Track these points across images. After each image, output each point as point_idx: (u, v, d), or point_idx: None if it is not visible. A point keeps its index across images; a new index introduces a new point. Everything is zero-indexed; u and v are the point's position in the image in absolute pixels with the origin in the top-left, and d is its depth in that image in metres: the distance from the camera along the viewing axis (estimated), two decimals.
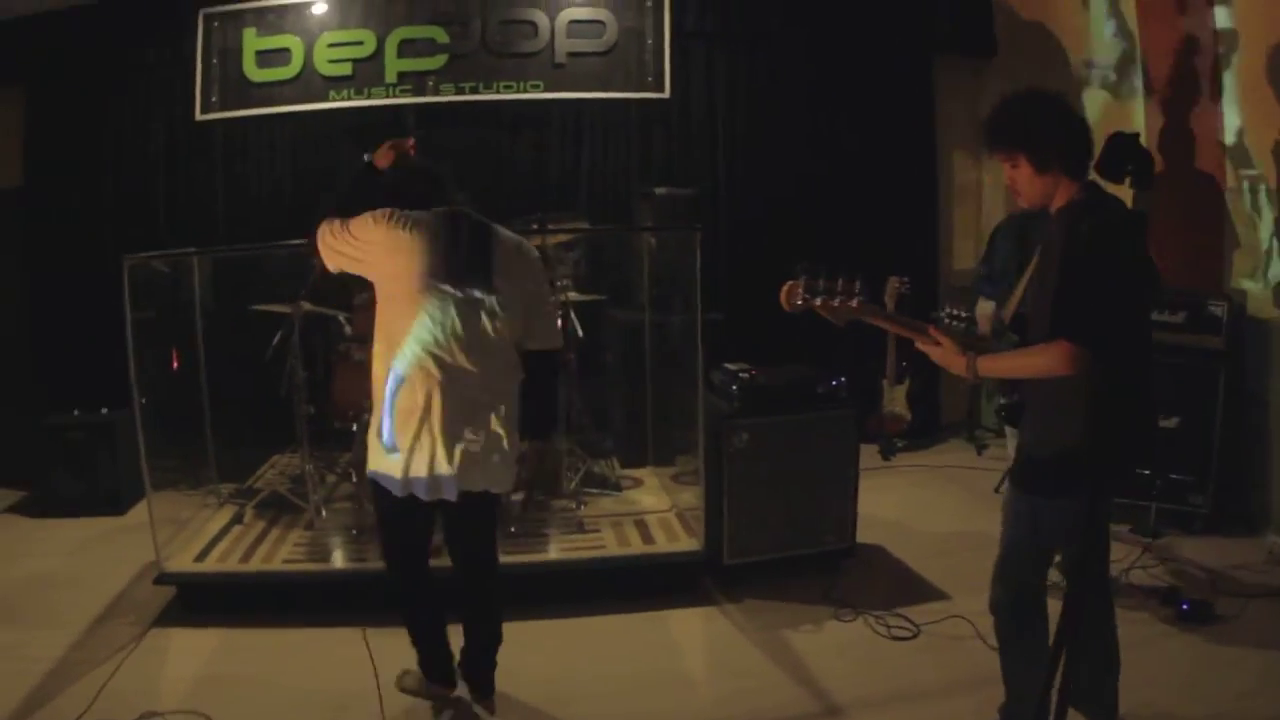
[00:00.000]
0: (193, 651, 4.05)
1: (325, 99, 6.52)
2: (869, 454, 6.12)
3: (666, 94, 6.75)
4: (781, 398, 4.67)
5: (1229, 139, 5.17)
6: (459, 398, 3.11)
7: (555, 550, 4.76)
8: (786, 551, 4.65)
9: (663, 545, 4.76)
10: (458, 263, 3.12)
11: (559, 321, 3.90)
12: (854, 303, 2.71)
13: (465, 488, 3.15)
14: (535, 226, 5.32)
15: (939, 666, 3.79)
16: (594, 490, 5.53)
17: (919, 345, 2.89)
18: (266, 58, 6.53)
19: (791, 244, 6.57)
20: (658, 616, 4.35)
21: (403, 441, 3.11)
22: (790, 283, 2.72)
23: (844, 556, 4.74)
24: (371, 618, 3.99)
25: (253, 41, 6.52)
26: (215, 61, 6.52)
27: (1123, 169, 2.49)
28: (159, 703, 3.56)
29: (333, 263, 3.23)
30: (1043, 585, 3.01)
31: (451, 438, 3.09)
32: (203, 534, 4.95)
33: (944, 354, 2.83)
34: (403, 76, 6.50)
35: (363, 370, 5.22)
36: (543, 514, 5.20)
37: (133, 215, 6.58)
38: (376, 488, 3.26)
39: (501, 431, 3.18)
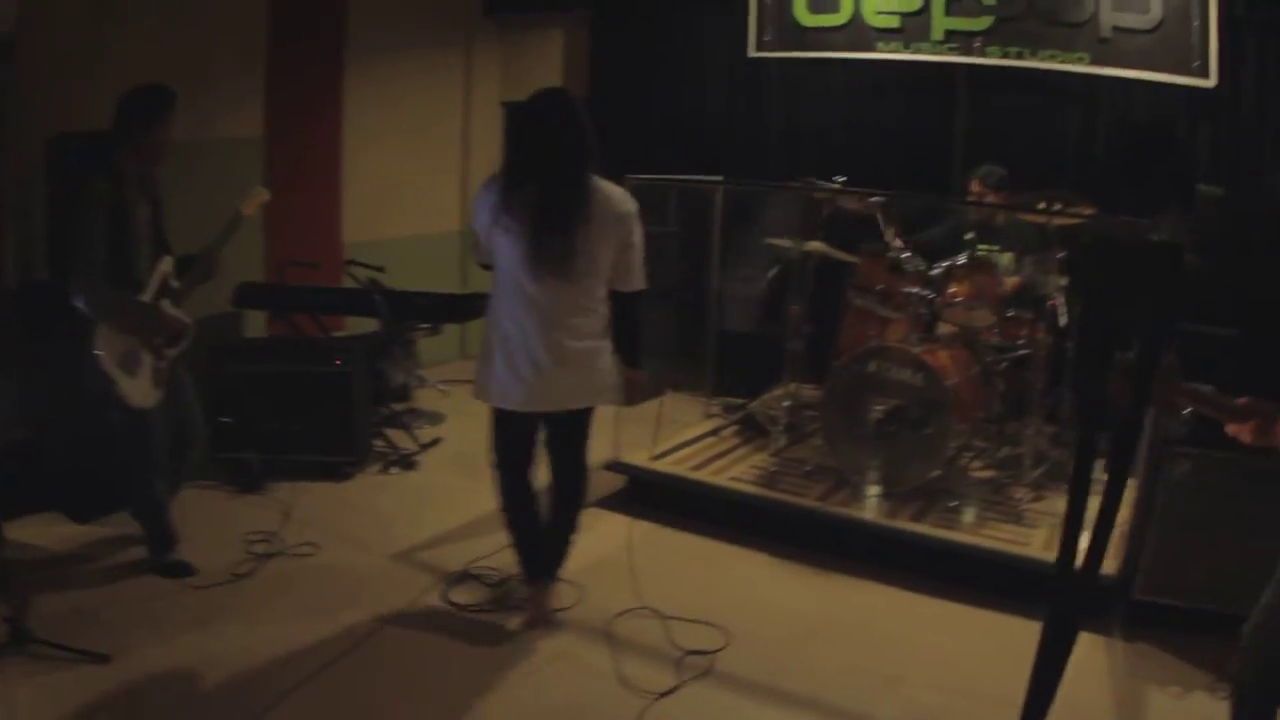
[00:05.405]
0: (608, 535, 4.76)
1: (873, 49, 6.64)
2: None
3: (1212, 81, 5.76)
4: None
5: None
6: None
7: (971, 533, 4.72)
8: (1208, 604, 4.14)
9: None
10: None
11: None
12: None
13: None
14: (1042, 206, 5.13)
15: None
16: (1061, 484, 5.24)
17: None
18: (817, 3, 6.77)
19: None
20: (1034, 626, 4.19)
21: None
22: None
23: None
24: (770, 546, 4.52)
25: None
26: (768, 3, 6.92)
27: None
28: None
29: None
30: None
31: None
32: (677, 437, 5.72)
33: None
34: (950, 35, 6.38)
35: (861, 317, 5.59)
36: (997, 498, 5.13)
37: (679, 136, 7.25)
38: None
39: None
